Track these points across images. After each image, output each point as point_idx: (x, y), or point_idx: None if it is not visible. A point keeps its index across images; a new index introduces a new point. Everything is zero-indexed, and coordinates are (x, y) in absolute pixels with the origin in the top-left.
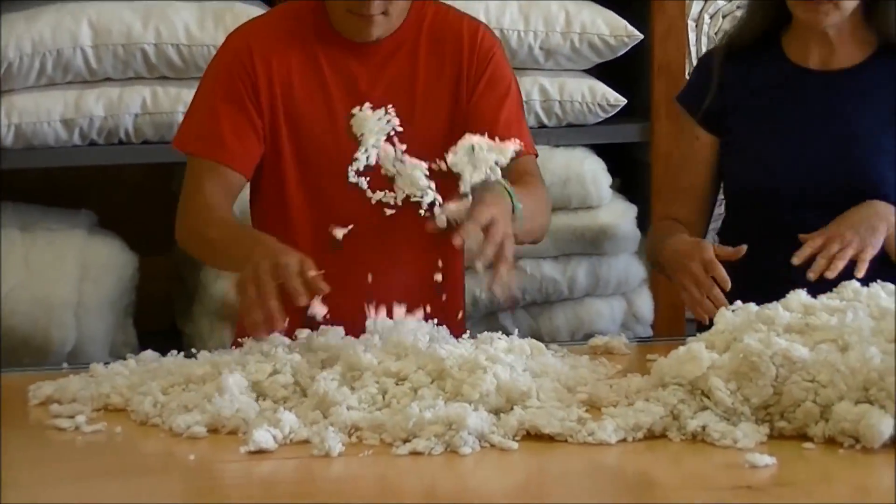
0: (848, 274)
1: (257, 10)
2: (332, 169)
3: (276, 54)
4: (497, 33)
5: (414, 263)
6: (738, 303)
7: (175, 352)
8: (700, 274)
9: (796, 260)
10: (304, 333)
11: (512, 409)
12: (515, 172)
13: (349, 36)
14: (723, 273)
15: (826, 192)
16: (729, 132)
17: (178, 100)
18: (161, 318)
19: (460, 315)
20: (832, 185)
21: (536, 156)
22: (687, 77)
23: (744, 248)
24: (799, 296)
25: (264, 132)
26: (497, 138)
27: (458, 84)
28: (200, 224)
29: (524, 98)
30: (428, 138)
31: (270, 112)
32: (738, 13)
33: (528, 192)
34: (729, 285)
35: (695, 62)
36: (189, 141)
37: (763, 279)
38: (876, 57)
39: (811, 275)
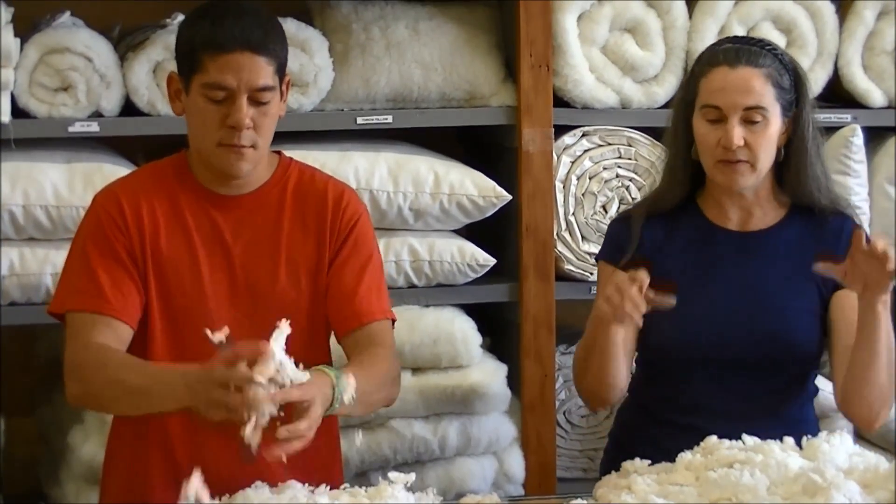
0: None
1: (126, 171)
2: (195, 319)
3: (143, 203)
4: (366, 194)
5: None
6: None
7: None
8: (624, 282)
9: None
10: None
11: None
12: (362, 342)
13: (221, 169)
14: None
15: (743, 351)
16: (652, 286)
17: (45, 261)
18: (27, 481)
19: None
20: (749, 344)
21: (393, 321)
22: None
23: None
24: (695, 455)
25: (141, 280)
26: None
27: (321, 245)
28: (103, 370)
29: (394, 258)
30: (288, 296)
31: (142, 258)
32: (605, 174)
33: (365, 374)
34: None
35: (563, 223)
36: (68, 300)
37: (675, 429)
38: (789, 217)
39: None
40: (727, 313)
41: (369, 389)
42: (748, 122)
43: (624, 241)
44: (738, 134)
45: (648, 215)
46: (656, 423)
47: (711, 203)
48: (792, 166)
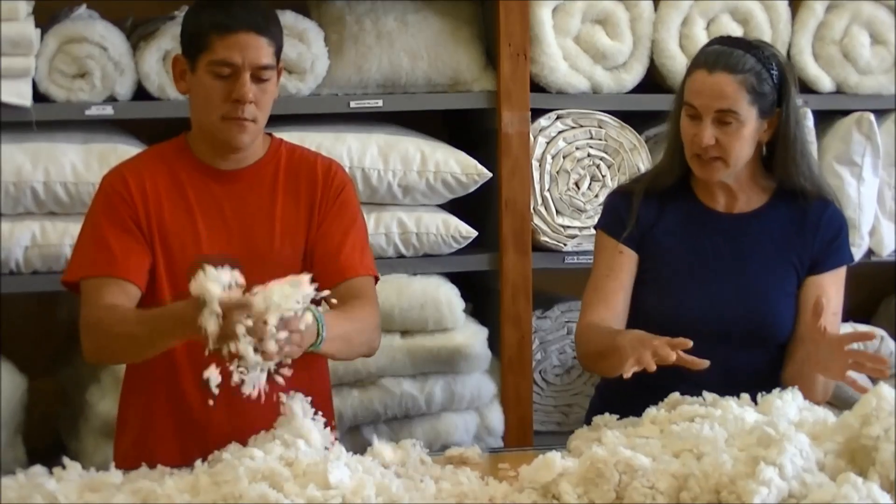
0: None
1: (137, 151)
2: None
3: (147, 179)
4: (359, 172)
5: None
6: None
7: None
8: (651, 349)
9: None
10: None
11: None
12: (346, 293)
13: (224, 142)
14: (667, 354)
15: (725, 326)
16: (645, 259)
17: (65, 233)
18: (48, 435)
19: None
20: (731, 320)
21: (377, 278)
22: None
23: (703, 363)
24: (660, 410)
25: (148, 246)
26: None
27: (312, 212)
28: (112, 326)
29: (384, 231)
30: (285, 262)
31: (147, 227)
32: (577, 154)
33: (348, 317)
34: (652, 368)
35: (539, 198)
36: (82, 269)
37: (660, 394)
38: (774, 200)
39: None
40: (714, 290)
41: (351, 330)
42: (721, 122)
43: (624, 215)
44: (709, 134)
45: (646, 192)
46: (643, 387)
47: (702, 186)
48: (778, 159)
